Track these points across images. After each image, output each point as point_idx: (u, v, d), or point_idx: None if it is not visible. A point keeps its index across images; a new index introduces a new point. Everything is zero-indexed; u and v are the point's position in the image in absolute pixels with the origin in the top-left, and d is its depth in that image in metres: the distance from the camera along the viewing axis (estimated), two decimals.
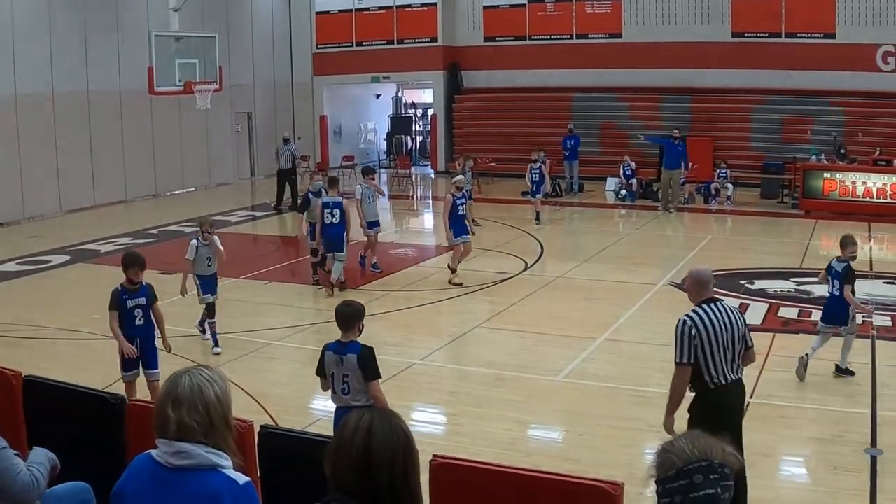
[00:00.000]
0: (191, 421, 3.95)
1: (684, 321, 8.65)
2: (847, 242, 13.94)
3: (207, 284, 15.92)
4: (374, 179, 22.52)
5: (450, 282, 20.06)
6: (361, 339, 9.26)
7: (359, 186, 22.15)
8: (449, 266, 20.50)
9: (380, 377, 9.23)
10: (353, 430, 3.62)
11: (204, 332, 16.21)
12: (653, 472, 3.58)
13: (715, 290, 16.72)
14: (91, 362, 14.79)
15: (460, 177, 21.85)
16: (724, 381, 8.64)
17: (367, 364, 9.04)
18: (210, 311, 15.94)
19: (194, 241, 15.81)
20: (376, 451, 3.56)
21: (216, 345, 15.70)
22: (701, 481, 3.43)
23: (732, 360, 8.69)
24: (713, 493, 3.43)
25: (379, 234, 22.34)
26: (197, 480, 3.96)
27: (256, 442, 6.83)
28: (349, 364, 9.06)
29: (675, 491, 3.46)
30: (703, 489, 3.42)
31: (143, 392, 12.18)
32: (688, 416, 8.76)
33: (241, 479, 4.02)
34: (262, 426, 6.84)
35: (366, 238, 21.83)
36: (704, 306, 8.73)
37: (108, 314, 12.17)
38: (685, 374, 8.68)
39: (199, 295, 15.95)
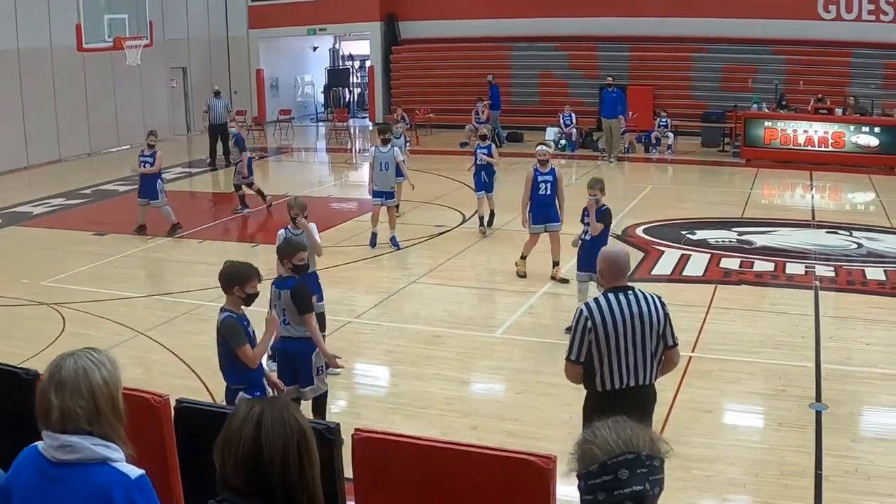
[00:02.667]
0: (75, 406, 3.61)
1: (581, 311, 7.43)
2: (592, 184, 13.81)
3: None
4: (388, 140, 19.47)
5: (515, 262, 16.82)
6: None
7: (373, 148, 19.68)
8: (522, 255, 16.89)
9: (311, 311, 9.80)
10: (241, 423, 3.26)
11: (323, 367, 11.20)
12: (573, 467, 3.20)
13: (659, 240, 16.63)
14: (18, 329, 14.36)
15: (543, 147, 16.80)
16: (616, 387, 7.40)
17: (298, 299, 9.68)
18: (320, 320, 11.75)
19: (282, 232, 12.36)
20: (266, 444, 3.21)
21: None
22: (627, 476, 3.06)
23: (640, 363, 7.40)
24: (640, 489, 3.06)
25: (389, 206, 19.33)
26: (85, 475, 3.62)
27: (173, 417, 6.43)
28: (285, 298, 9.75)
29: (599, 487, 3.09)
30: (630, 485, 3.06)
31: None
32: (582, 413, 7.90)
33: (134, 472, 3.68)
34: (178, 400, 6.44)
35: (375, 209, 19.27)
36: (610, 295, 7.44)
37: (267, 316, 9.53)
38: (574, 374, 7.56)
39: None
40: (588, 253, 13.22)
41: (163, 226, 20.58)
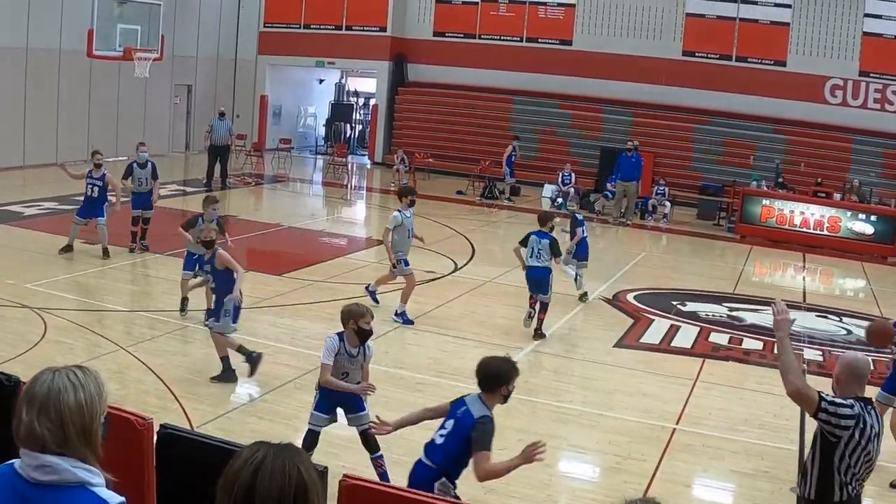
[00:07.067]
0: (41, 428, 3.41)
1: (853, 405, 6.67)
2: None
3: None
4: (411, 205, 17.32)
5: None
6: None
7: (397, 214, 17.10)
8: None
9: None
10: (240, 466, 3.12)
11: None
12: None
13: (649, 307, 16.43)
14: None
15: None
16: (852, 494, 6.81)
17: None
18: None
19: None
20: (259, 494, 3.07)
21: None
22: None
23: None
24: None
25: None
26: (63, 499, 3.42)
27: (155, 442, 6.20)
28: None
29: None
30: None
31: None
32: None
33: (114, 498, 3.49)
34: (161, 425, 6.22)
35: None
36: (868, 406, 6.78)
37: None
38: (811, 401, 6.71)
39: None
40: None
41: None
